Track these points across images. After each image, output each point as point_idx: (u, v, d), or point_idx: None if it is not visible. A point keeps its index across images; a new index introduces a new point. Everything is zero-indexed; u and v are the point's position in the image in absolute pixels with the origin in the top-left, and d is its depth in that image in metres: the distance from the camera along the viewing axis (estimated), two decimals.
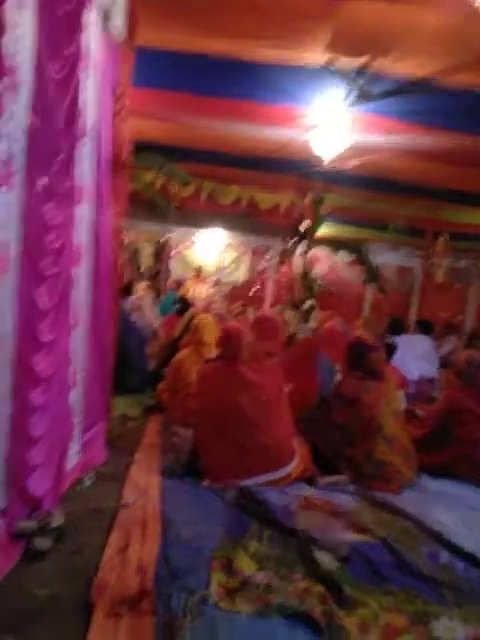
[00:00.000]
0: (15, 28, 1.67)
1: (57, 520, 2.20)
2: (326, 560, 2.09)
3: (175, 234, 9.42)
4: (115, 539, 2.22)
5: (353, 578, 1.98)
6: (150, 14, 3.13)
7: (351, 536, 2.31)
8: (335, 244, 7.55)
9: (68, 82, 2.18)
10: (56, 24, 1.96)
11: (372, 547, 2.24)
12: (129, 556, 2.08)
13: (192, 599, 1.81)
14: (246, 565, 2.05)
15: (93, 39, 2.45)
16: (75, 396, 2.70)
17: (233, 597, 1.86)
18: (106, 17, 2.58)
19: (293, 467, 2.90)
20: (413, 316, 9.36)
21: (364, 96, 4.29)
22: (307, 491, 2.80)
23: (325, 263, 9.84)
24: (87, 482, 2.73)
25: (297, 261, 9.27)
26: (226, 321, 4.75)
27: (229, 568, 2.03)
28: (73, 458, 2.71)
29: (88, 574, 1.95)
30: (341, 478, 2.99)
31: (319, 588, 1.91)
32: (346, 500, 2.73)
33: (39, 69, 1.86)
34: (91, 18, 2.38)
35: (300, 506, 2.61)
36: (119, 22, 2.74)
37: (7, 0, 1.56)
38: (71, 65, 2.18)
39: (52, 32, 1.94)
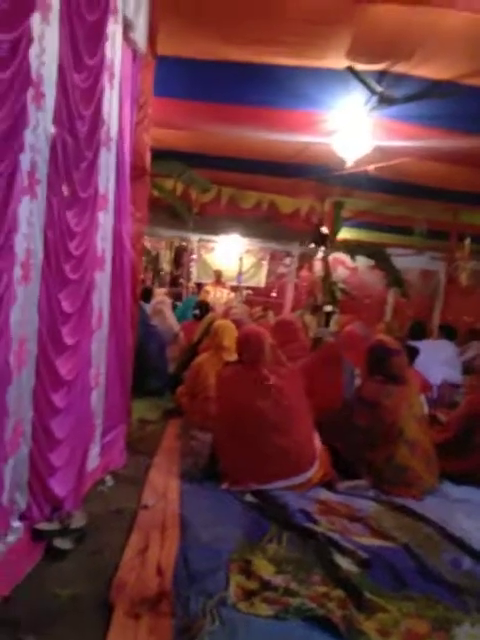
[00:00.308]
0: (41, 40, 1.72)
1: (78, 521, 2.24)
2: (346, 564, 2.08)
3: (195, 239, 9.49)
4: (135, 540, 2.25)
5: (373, 583, 1.97)
6: (171, 24, 3.19)
7: (371, 540, 2.30)
8: (356, 248, 7.50)
9: (92, 92, 2.24)
10: (80, 35, 2.02)
11: (393, 552, 2.23)
12: (148, 557, 2.11)
13: (211, 601, 1.82)
14: (264, 568, 2.05)
15: (116, 50, 2.51)
16: (96, 398, 2.74)
17: (252, 600, 1.86)
18: (129, 28, 2.64)
19: (313, 472, 2.89)
20: (436, 320, 9.22)
21: (385, 100, 4.27)
22: (326, 495, 2.79)
23: (346, 267, 9.81)
24: (107, 484, 2.77)
25: (317, 265, 9.26)
26: (243, 326, 4.76)
27: (248, 571, 2.03)
28: (94, 460, 2.76)
29: (108, 574, 1.98)
30: (361, 483, 2.97)
31: (338, 592, 1.91)
32: (366, 505, 2.71)
33: (63, 80, 1.91)
34: (114, 29, 2.44)
35: (320, 510, 2.61)
36: (141, 33, 2.80)
37: (33, 13, 1.61)
38: (95, 75, 2.24)
39: (76, 43, 2.00)
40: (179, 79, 4.14)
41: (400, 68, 3.82)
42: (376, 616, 1.80)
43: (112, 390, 2.98)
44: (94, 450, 2.78)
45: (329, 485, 2.93)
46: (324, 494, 2.81)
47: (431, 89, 3.92)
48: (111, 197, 2.68)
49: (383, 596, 1.89)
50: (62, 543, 2.12)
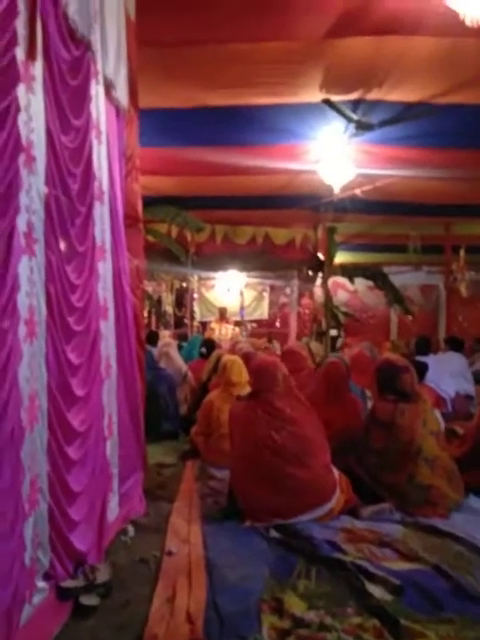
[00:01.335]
0: (28, 108, 1.82)
1: (103, 575, 2.20)
2: (378, 592, 2.03)
3: (195, 279, 9.61)
4: (162, 589, 2.20)
5: (408, 608, 1.93)
6: (148, 78, 3.34)
7: (401, 565, 2.24)
8: (353, 270, 7.57)
9: (80, 151, 2.33)
10: (65, 99, 2.12)
11: (425, 574, 2.18)
12: (177, 605, 2.06)
13: None
14: (296, 605, 2.01)
15: (100, 108, 2.62)
16: (111, 448, 2.74)
17: (286, 639, 1.81)
18: (110, 87, 2.77)
19: (335, 501, 2.84)
20: (442, 334, 9.23)
21: (362, 127, 4.42)
22: (351, 523, 2.75)
23: (346, 290, 9.88)
24: (129, 534, 2.73)
25: (318, 291, 9.33)
26: (255, 357, 4.76)
27: (279, 609, 1.99)
28: (113, 510, 2.73)
29: (138, 627, 1.94)
30: (385, 506, 2.91)
31: (373, 622, 1.86)
32: (392, 528, 2.67)
33: (52, 142, 2.00)
34: (97, 90, 2.55)
35: (346, 539, 2.57)
36: (122, 90, 2.93)
37: (18, 85, 1.70)
38: (82, 135, 2.34)
39: (61, 107, 2.09)
40: (162, 128, 4.31)
41: (373, 95, 3.97)
42: None
43: (126, 438, 2.97)
44: (113, 500, 2.75)
45: (352, 512, 2.88)
46: (348, 522, 2.77)
47: (405, 112, 4.06)
48: (108, 247, 2.74)
49: (419, 621, 1.84)
50: (88, 599, 2.08)
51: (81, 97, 2.33)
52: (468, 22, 2.75)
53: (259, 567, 2.33)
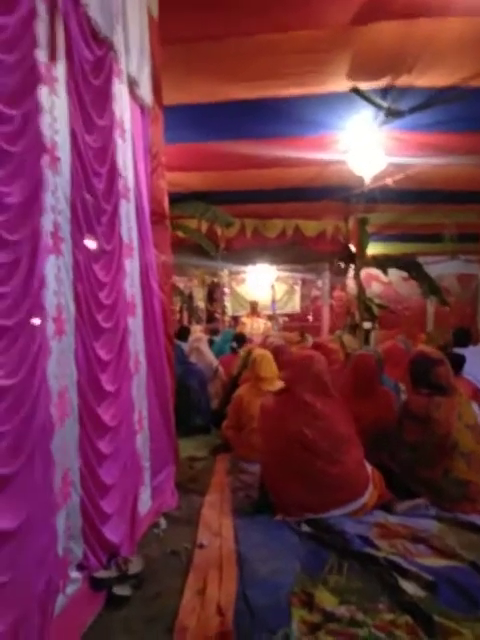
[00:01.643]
0: (52, 110, 1.85)
1: (135, 567, 2.25)
2: (411, 588, 2.00)
3: (225, 273, 9.64)
4: (193, 581, 2.23)
5: (442, 606, 1.89)
6: (172, 74, 3.35)
7: (436, 561, 2.20)
8: (386, 261, 7.42)
9: (105, 150, 2.36)
10: (88, 100, 2.15)
11: (460, 571, 2.13)
12: (208, 598, 2.08)
13: (275, 637, 1.78)
14: (327, 599, 1.99)
15: (125, 106, 2.65)
16: (141, 442, 2.78)
17: (316, 633, 1.80)
18: (134, 85, 2.79)
19: (368, 497, 2.81)
20: None
21: (392, 114, 4.31)
22: (385, 518, 2.71)
23: (380, 281, 9.71)
24: (161, 526, 2.77)
25: (350, 283, 9.20)
26: (285, 351, 4.73)
27: (310, 603, 1.98)
28: (145, 503, 2.77)
29: (169, 618, 1.97)
30: (420, 502, 2.86)
31: (406, 618, 1.83)
32: (427, 524, 2.61)
33: (76, 142, 2.03)
34: (120, 88, 2.58)
35: (379, 534, 2.53)
36: (146, 88, 2.95)
37: (39, 87, 1.73)
38: (106, 134, 2.37)
39: (85, 107, 2.13)
40: (188, 124, 4.31)
41: (403, 81, 3.86)
42: None
43: (157, 432, 3.01)
44: (145, 493, 2.79)
45: (386, 507, 2.84)
46: (382, 517, 2.73)
47: (436, 97, 3.94)
48: (135, 245, 2.77)
49: (454, 619, 1.80)
50: (121, 590, 2.12)
51: (104, 96, 2.35)
52: None
53: (290, 561, 2.32)
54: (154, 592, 2.16)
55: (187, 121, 4.22)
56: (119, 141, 2.55)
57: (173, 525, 2.81)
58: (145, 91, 2.93)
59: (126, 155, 2.65)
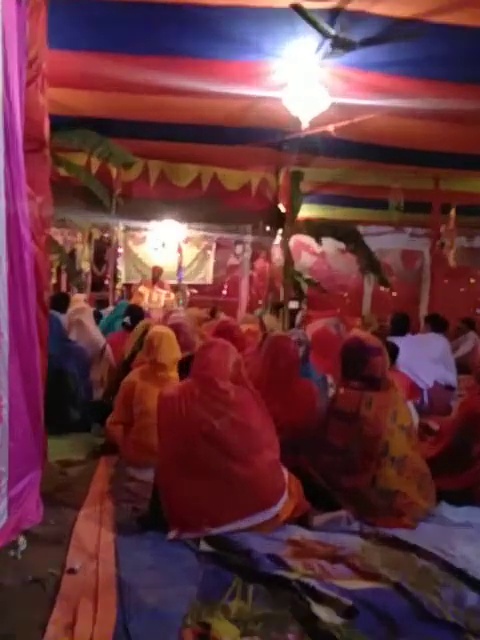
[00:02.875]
0: None
1: None
2: (326, 615, 2.13)
3: (120, 229, 9.43)
4: (59, 615, 2.21)
5: (360, 633, 2.03)
6: None
7: (356, 583, 2.35)
8: (321, 228, 7.67)
9: None
10: None
11: (383, 594, 2.30)
12: (78, 634, 2.08)
13: None
14: (226, 631, 2.07)
15: None
16: None
17: None
18: None
19: (282, 506, 2.92)
20: (423, 311, 9.55)
21: (340, 45, 4.38)
22: (300, 533, 2.84)
23: (311, 252, 10.01)
24: (20, 547, 2.72)
25: (276, 252, 9.42)
26: (188, 333, 4.78)
27: (206, 636, 2.04)
28: (0, 518, 2.70)
29: None
30: (342, 514, 3.03)
31: None
32: (349, 540, 2.78)
33: None
34: None
35: (292, 553, 2.66)
36: None
37: None
38: None
39: None
40: (81, 25, 4.11)
41: (356, 5, 3.92)
42: None
43: (19, 427, 2.92)
44: (0, 505, 2.72)
45: (303, 521, 2.98)
46: (297, 532, 2.86)
47: (393, 30, 4.05)
48: (0, 179, 2.63)
49: None
50: None
51: None
52: None
53: (184, 587, 2.38)
54: (7, 630, 2.12)
55: (80, 21, 4.02)
56: None
57: (36, 545, 2.76)
58: None
59: None
